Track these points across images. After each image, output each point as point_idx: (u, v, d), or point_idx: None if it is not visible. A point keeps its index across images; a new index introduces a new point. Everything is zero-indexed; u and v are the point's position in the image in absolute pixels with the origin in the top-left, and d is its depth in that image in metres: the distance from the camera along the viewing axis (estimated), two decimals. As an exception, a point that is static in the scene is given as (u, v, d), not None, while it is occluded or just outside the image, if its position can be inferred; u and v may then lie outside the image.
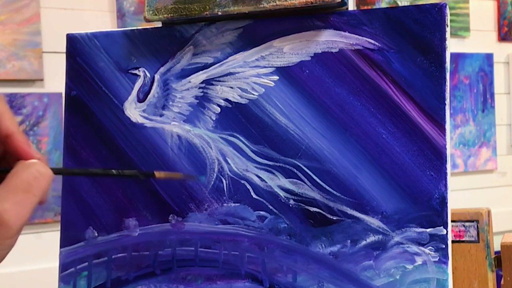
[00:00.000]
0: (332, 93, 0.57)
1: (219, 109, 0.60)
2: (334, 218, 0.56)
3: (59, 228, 0.63)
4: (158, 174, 0.56)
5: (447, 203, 0.54)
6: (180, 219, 0.60)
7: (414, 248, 0.54)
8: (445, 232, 0.53)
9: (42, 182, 0.41)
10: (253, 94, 0.60)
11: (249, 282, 0.58)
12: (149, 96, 0.62)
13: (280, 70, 0.59)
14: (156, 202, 0.61)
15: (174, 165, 0.61)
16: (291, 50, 0.59)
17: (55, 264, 0.63)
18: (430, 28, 0.55)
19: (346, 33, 0.57)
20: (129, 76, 0.63)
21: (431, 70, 0.55)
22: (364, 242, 0.55)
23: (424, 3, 0.55)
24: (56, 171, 0.43)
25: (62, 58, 0.66)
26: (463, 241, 0.78)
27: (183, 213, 0.60)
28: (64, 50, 0.65)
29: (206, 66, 0.61)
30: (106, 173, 0.58)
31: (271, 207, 0.58)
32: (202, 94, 0.61)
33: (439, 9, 0.55)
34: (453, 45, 2.22)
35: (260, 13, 0.59)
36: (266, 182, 0.58)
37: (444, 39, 0.55)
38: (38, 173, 0.41)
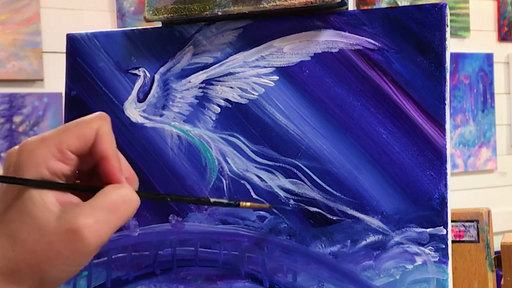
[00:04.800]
0: (332, 93, 0.57)
1: (219, 109, 0.60)
2: (334, 218, 0.56)
3: (59, 228, 0.63)
4: (244, 204, 0.53)
5: (447, 203, 0.54)
6: (180, 219, 0.60)
7: (414, 248, 0.54)
8: (445, 232, 0.53)
9: (130, 206, 0.41)
10: (253, 94, 0.60)
11: (249, 282, 0.58)
12: (149, 96, 0.62)
13: (280, 70, 0.59)
14: (156, 202, 0.61)
15: (174, 165, 0.61)
16: (291, 50, 0.59)
17: (55, 264, 0.63)
18: (430, 28, 0.55)
19: (346, 33, 0.57)
20: (129, 76, 0.63)
21: (431, 70, 0.55)
22: (364, 242, 0.55)
23: (424, 3, 0.55)
24: (144, 196, 0.43)
25: (62, 58, 0.66)
26: (463, 241, 0.78)
27: (183, 213, 0.60)
28: (64, 50, 0.65)
29: (206, 66, 0.61)
30: (199, 201, 0.56)
31: (271, 207, 0.58)
32: (202, 94, 0.61)
33: (439, 9, 0.55)
34: (453, 45, 2.22)
35: (260, 13, 0.59)
36: (266, 182, 0.58)
37: (444, 39, 0.55)
38: (127, 197, 0.41)
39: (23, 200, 0.39)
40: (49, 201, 0.39)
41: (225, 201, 0.55)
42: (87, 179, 0.44)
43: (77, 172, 0.42)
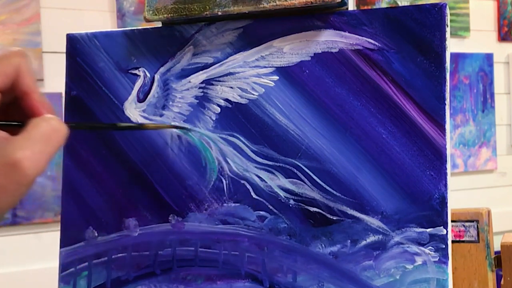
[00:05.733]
0: (332, 93, 0.57)
1: (219, 109, 0.60)
2: (334, 218, 0.56)
3: (59, 228, 0.63)
4: (147, 125, 0.61)
5: (447, 203, 0.54)
6: (180, 219, 0.60)
7: (414, 248, 0.54)
8: (445, 232, 0.53)
9: (60, 135, 0.43)
10: (253, 94, 0.60)
11: (249, 282, 0.58)
12: (149, 96, 0.62)
13: (280, 70, 0.59)
14: (156, 202, 0.61)
15: (174, 165, 0.61)
16: (291, 50, 0.59)
17: (55, 264, 0.63)
18: (430, 28, 0.55)
19: (346, 33, 0.57)
20: (129, 76, 0.63)
21: (431, 70, 0.55)
22: (364, 242, 0.55)
23: (424, 3, 0.55)
24: (70, 125, 0.45)
25: (62, 58, 0.66)
26: (463, 241, 0.78)
27: (183, 213, 0.60)
28: (64, 50, 0.65)
29: (206, 66, 0.61)
30: (110, 127, 0.61)
31: (271, 207, 0.58)
32: (202, 94, 0.61)
33: (439, 9, 0.55)
34: (453, 45, 2.22)
35: (260, 13, 0.59)
36: (266, 182, 0.58)
37: (444, 39, 0.55)
38: (57, 126, 0.43)
39: None
40: None
41: (132, 124, 0.62)
42: (2, 115, 0.45)
43: None
